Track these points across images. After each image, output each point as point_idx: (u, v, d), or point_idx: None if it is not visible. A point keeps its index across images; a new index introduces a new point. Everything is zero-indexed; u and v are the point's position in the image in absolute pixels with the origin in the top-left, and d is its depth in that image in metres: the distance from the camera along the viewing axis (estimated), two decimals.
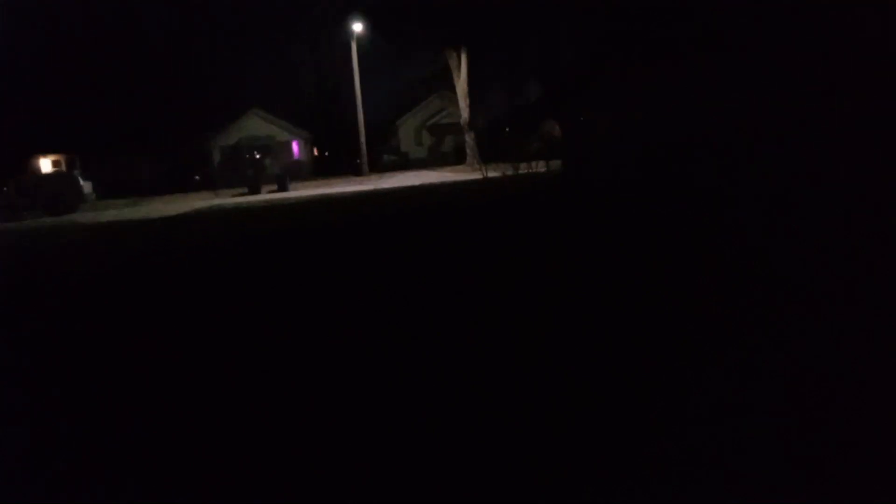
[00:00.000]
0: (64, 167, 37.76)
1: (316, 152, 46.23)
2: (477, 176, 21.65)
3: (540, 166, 19.89)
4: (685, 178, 9.65)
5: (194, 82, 41.59)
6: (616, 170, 12.97)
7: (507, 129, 33.91)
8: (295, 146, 43.44)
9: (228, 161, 41.01)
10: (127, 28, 39.79)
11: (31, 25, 36.54)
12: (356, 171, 35.78)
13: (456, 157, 36.96)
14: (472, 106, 33.18)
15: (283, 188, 28.24)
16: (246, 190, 29.31)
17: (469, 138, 32.51)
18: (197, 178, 38.82)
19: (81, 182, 27.95)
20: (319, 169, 42.44)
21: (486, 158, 27.43)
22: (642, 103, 13.56)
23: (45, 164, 38.49)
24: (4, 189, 27.14)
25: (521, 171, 19.74)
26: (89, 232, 16.05)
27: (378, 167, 38.65)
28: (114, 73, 38.28)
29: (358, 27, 34.91)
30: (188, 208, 21.65)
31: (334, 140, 44.62)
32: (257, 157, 41.15)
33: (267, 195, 26.32)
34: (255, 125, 42.58)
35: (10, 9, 35.14)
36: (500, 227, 8.78)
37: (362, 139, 35.98)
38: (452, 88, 34.35)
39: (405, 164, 40.47)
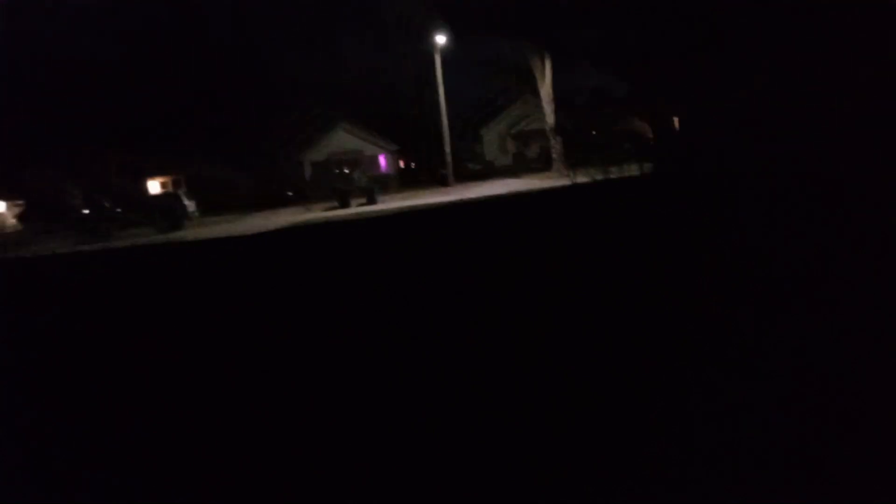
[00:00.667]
0: (171, 187, 40.27)
1: (402, 164, 47.03)
2: (565, 182, 21.22)
3: (631, 169, 19.27)
4: (787, 169, 9.04)
5: (285, 97, 43.24)
6: (715, 165, 12.36)
7: (593, 132, 33.20)
8: (382, 159, 44.40)
9: (318, 176, 42.39)
10: (217, 49, 41.91)
11: (133, 48, 39.00)
12: (442, 181, 36.07)
13: (542, 164, 36.56)
14: (557, 110, 32.76)
15: (371, 201, 28.90)
16: (336, 204, 30.18)
17: (555, 143, 32.10)
18: (289, 193, 40.31)
19: (185, 201, 29.73)
20: (406, 180, 43.12)
21: (573, 163, 26.94)
22: (737, 97, 12.89)
23: (153, 185, 41.15)
24: (88, 210, 28.67)
25: (611, 176, 19.18)
26: (208, 247, 16.91)
27: (463, 176, 38.81)
28: (206, 92, 40.41)
29: (441, 38, 35.25)
30: (283, 222, 22.47)
31: (420, 151, 45.23)
32: (346, 171, 42.31)
33: (357, 209, 26.96)
34: (343, 139, 43.89)
35: (103, 29, 37.58)
36: (591, 236, 8.48)
37: (447, 149, 36.26)
38: (536, 93, 34.07)
39: (490, 173, 40.48)
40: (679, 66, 15.63)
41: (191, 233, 25.06)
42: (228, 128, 40.25)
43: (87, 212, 28.50)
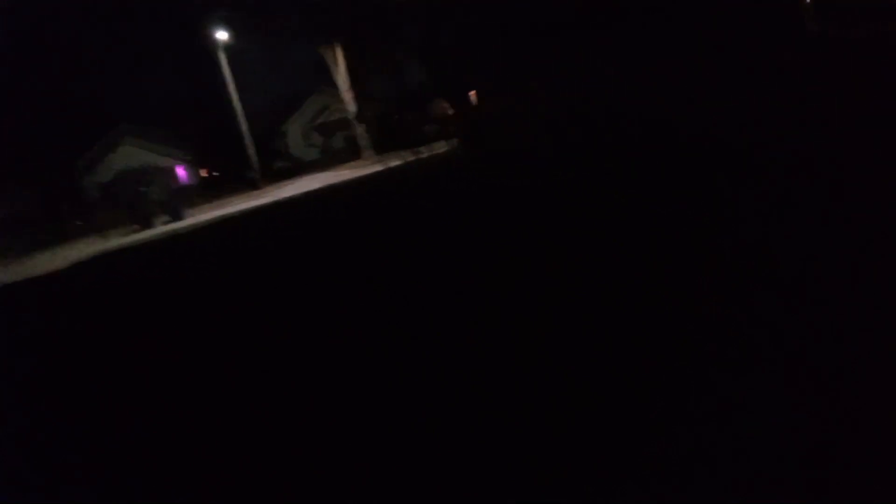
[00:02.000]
0: None
1: (206, 173, 44.22)
2: (378, 168, 21.30)
3: (440, 147, 19.84)
4: (582, 142, 9.85)
5: (60, 117, 38.46)
6: (512, 140, 13.16)
7: (396, 117, 33.64)
8: (180, 170, 41.35)
9: (108, 199, 38.46)
10: None
11: None
12: (251, 185, 34.47)
13: (350, 154, 36.33)
14: (357, 97, 32.65)
15: (177, 217, 26.83)
16: (137, 227, 27.64)
17: (361, 131, 32.02)
18: (78, 223, 36.12)
19: None
20: (212, 190, 40.61)
21: (382, 149, 27.14)
22: (532, 74, 13.80)
23: None
24: None
25: (422, 156, 19.60)
26: None
27: (272, 176, 37.38)
28: None
29: (223, 35, 33.31)
30: (74, 258, 20.10)
31: (222, 157, 42.80)
32: (140, 189, 38.86)
33: (162, 228, 24.92)
34: (132, 154, 40.15)
35: None
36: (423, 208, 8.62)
37: (251, 151, 34.69)
38: (334, 84, 33.66)
39: (299, 169, 39.39)
40: (471, 49, 16.37)
41: None
42: None
43: None
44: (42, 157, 37.39)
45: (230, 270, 8.67)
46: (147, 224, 27.01)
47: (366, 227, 9.08)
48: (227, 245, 12.52)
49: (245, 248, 11.13)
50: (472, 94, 23.20)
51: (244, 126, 34.58)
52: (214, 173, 45.43)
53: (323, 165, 36.77)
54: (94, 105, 40.25)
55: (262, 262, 8.67)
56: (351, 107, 32.55)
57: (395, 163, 20.35)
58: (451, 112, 24.16)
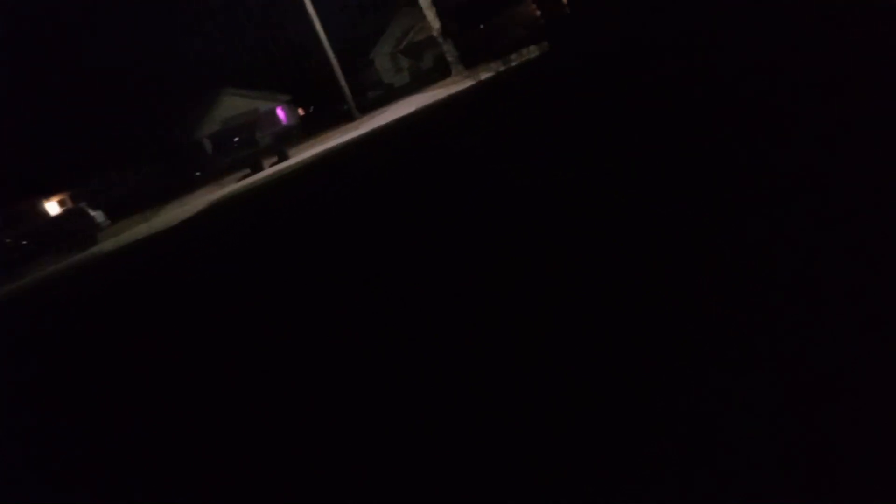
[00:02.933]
0: (71, 203, 37.70)
1: (302, 112, 45.32)
2: (470, 83, 20.82)
3: (531, 52, 19.03)
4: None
5: (166, 83, 40.64)
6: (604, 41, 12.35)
7: (480, 27, 32.43)
8: (280, 112, 42.62)
9: (219, 148, 40.45)
10: (85, 52, 38.64)
11: None
12: (347, 118, 34.98)
13: (441, 73, 35.73)
14: (440, 12, 31.68)
15: (283, 157, 27.82)
16: (248, 171, 28.98)
17: (447, 47, 31.20)
18: (197, 174, 38.48)
19: (91, 213, 27.97)
20: (310, 127, 41.67)
21: (472, 62, 26.39)
22: None
23: (52, 206, 38.45)
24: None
25: (513, 64, 18.91)
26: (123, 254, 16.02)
27: (366, 107, 37.68)
28: (85, 97, 37.54)
29: None
30: (201, 204, 21.48)
31: (316, 94, 43.58)
32: (247, 135, 40.47)
33: (271, 169, 25.97)
34: (233, 103, 41.73)
35: None
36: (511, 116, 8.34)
37: (342, 83, 34.96)
38: (416, 2, 32.80)
39: (392, 96, 39.39)
40: None
41: (109, 243, 23.73)
42: (117, 127, 37.66)
43: None
44: (161, 129, 39.80)
45: (333, 209, 8.89)
46: (258, 167, 28.21)
47: (453, 153, 8.94)
48: (328, 182, 12.84)
49: (344, 183, 11.35)
50: None
51: (333, 60, 34.77)
52: (312, 111, 46.46)
53: (414, 89, 36.52)
54: (198, 71, 42.00)
55: (362, 197, 8.81)
56: (434, 23, 31.67)
57: (485, 75, 19.80)
58: (538, 14, 22.98)
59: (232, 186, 25.78)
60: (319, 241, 6.67)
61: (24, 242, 26.70)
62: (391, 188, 8.05)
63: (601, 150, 5.02)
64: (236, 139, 39.75)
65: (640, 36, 10.54)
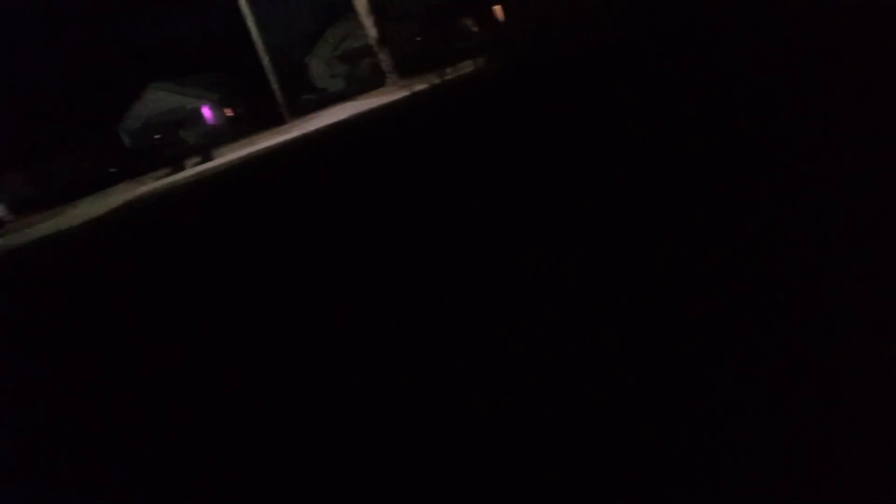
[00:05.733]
0: None
1: (230, 112, 43.92)
2: (405, 93, 20.58)
3: (466, 66, 19.00)
4: None
5: (88, 72, 38.47)
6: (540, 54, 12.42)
7: (417, 39, 32.29)
8: (207, 111, 41.12)
9: (140, 144, 38.62)
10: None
11: None
12: (278, 121, 34.06)
13: (377, 82, 35.38)
14: (378, 21, 31.40)
15: (206, 158, 26.74)
16: (169, 170, 27.70)
17: (384, 56, 30.95)
18: (112, 170, 36.49)
19: None
20: (239, 128, 40.34)
21: (408, 73, 26.19)
22: None
23: None
24: None
25: (448, 77, 18.82)
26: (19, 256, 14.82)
27: (297, 110, 36.78)
28: None
29: None
30: (112, 204, 20.27)
31: (250, 94, 42.33)
32: (170, 133, 38.82)
33: (192, 170, 24.88)
34: (160, 99, 39.99)
35: None
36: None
37: (275, 86, 34.08)
38: (356, 9, 32.42)
39: (324, 101, 38.61)
40: None
41: (9, 240, 22.05)
42: (30, 117, 35.32)
43: None
44: (84, 119, 37.65)
45: (255, 212, 8.45)
46: (179, 167, 27.01)
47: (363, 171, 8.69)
48: (250, 187, 12.32)
49: (269, 188, 10.90)
50: (498, 8, 21.98)
51: (266, 61, 33.87)
52: (241, 111, 45.08)
53: (348, 96, 35.90)
54: (127, 63, 40.04)
55: (287, 202, 8.42)
56: (372, 31, 31.37)
57: (420, 87, 19.61)
58: (476, 29, 23.09)
59: (149, 185, 24.53)
60: (232, 246, 6.28)
61: None
62: (314, 196, 7.70)
63: (540, 164, 4.89)
64: (158, 136, 38.01)
65: (577, 50, 10.64)
